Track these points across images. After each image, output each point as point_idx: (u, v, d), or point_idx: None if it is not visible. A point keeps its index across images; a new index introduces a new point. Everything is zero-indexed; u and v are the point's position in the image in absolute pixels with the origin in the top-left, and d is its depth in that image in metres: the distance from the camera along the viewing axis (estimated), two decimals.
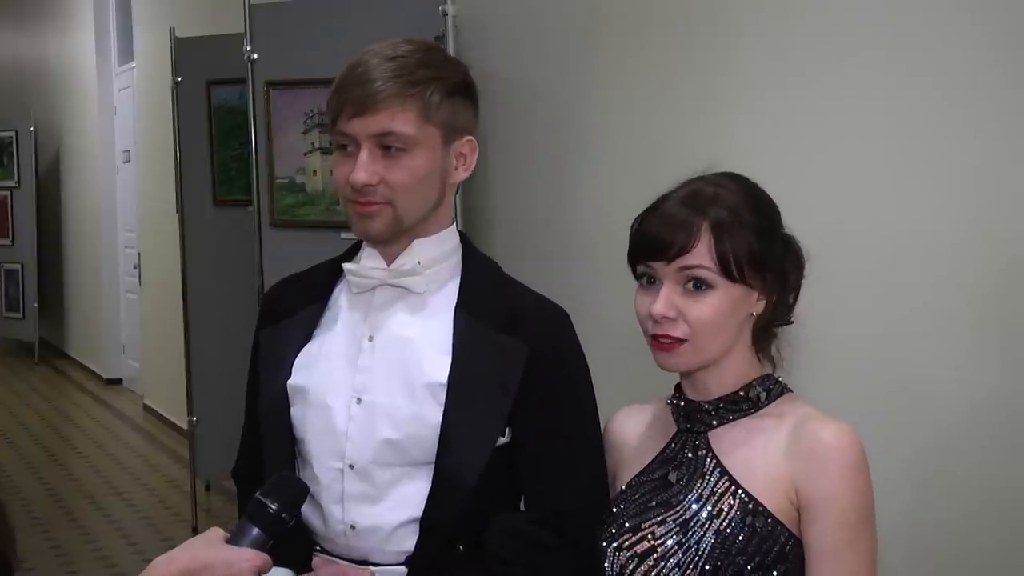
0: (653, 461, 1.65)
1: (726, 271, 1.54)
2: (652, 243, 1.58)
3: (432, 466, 1.65)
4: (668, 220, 1.57)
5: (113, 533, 5.53)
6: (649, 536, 1.57)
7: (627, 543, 1.58)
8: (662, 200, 1.61)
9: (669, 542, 1.55)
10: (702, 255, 1.55)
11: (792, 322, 1.66)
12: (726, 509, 1.54)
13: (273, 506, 1.46)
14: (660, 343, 1.58)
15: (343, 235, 1.78)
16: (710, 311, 1.55)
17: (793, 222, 1.67)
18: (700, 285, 1.55)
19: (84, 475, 6.64)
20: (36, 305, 10.48)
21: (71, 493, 6.26)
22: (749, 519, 1.52)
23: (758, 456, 1.55)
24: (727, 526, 1.52)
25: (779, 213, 1.63)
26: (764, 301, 1.59)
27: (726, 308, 1.56)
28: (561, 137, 3.58)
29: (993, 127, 2.21)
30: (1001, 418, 2.21)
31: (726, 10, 2.88)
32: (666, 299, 1.56)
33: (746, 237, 1.55)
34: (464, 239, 1.80)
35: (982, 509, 2.25)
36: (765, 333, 1.63)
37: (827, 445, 1.51)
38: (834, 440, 1.52)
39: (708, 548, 1.52)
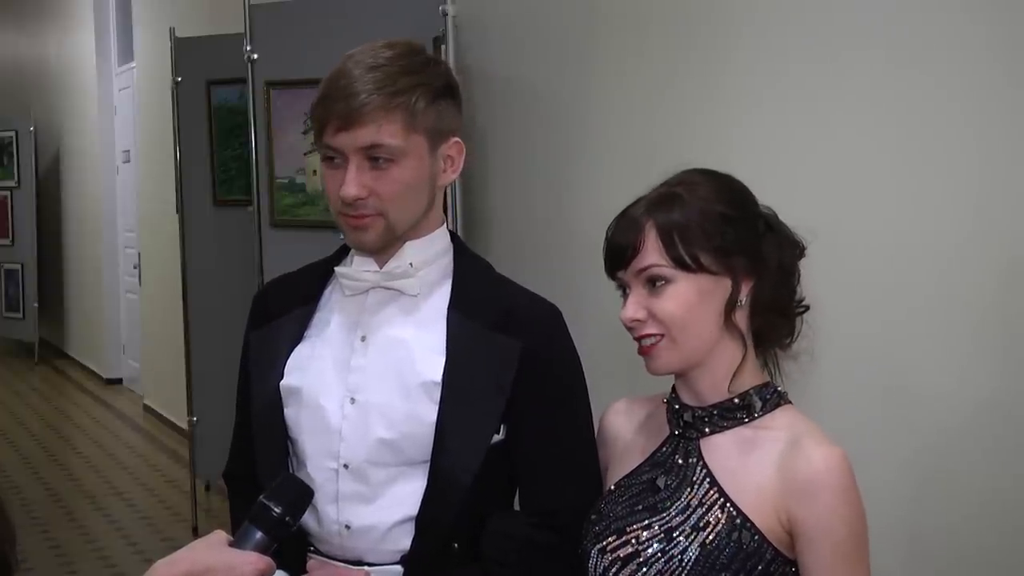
0: (643, 463, 1.64)
1: (679, 263, 1.54)
2: (608, 254, 1.60)
3: (426, 465, 1.66)
4: (618, 228, 1.59)
5: (113, 533, 5.53)
6: (633, 540, 1.56)
7: (610, 546, 1.57)
8: (625, 208, 1.62)
9: (652, 548, 1.54)
10: (651, 254, 1.55)
11: (807, 307, 1.64)
12: (713, 522, 1.52)
13: (277, 509, 1.45)
14: (642, 347, 1.58)
15: (343, 236, 1.78)
16: (675, 303, 1.54)
17: (792, 222, 1.67)
18: (660, 282, 1.55)
19: (84, 475, 6.64)
20: (36, 305, 10.48)
21: (71, 493, 6.26)
22: (736, 534, 1.51)
23: (750, 470, 1.54)
24: (713, 539, 1.51)
25: (749, 199, 1.62)
26: (736, 285, 1.56)
27: (692, 298, 1.54)
28: (561, 137, 3.58)
29: (994, 127, 2.21)
30: (1002, 419, 2.21)
31: (726, 10, 2.88)
32: (633, 303, 1.57)
33: (699, 226, 1.54)
34: (455, 239, 1.80)
35: (982, 510, 2.25)
36: (772, 322, 1.60)
37: (818, 470, 1.49)
38: (824, 465, 1.50)
39: (692, 560, 1.51)
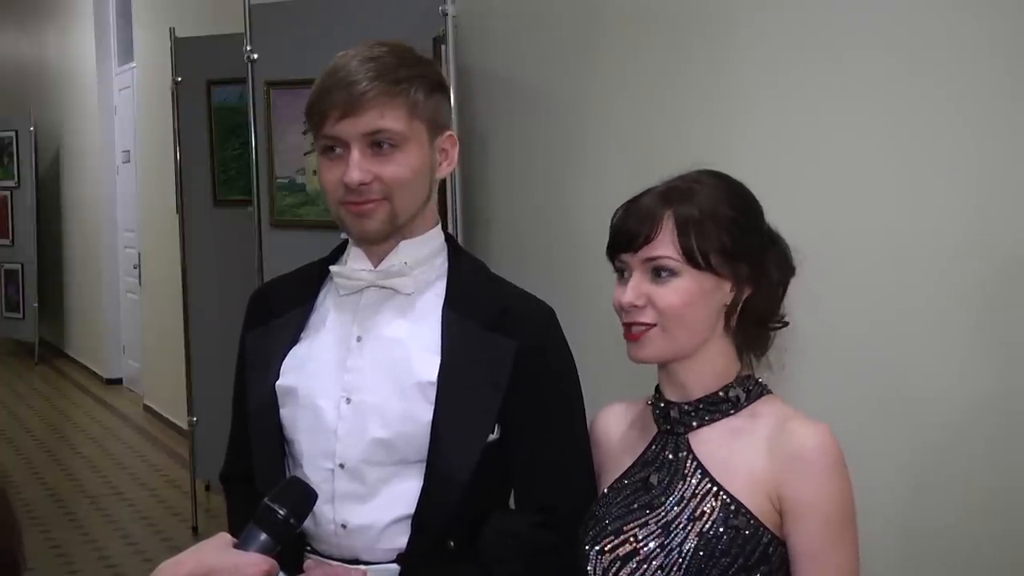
0: (634, 464, 1.66)
1: (690, 259, 1.55)
2: (619, 236, 1.61)
3: (422, 464, 1.66)
4: (634, 213, 1.60)
5: (113, 533, 5.53)
6: (631, 538, 1.57)
7: (609, 546, 1.58)
8: (637, 196, 1.63)
9: (651, 544, 1.55)
10: (665, 245, 1.56)
11: (787, 323, 1.66)
12: (708, 511, 1.54)
13: (281, 511, 1.45)
14: (631, 333, 1.59)
15: (343, 235, 1.79)
16: (677, 296, 1.56)
17: (791, 222, 1.67)
18: (665, 273, 1.56)
19: (84, 475, 6.64)
20: (36, 305, 10.48)
21: (71, 493, 6.26)
22: (732, 520, 1.52)
23: (739, 457, 1.56)
24: (710, 528, 1.53)
25: (759, 210, 1.64)
26: (737, 292, 1.59)
27: (694, 295, 1.56)
28: (561, 137, 3.58)
29: (993, 127, 2.21)
30: (999, 419, 2.21)
31: (726, 10, 2.89)
32: (634, 288, 1.58)
33: (714, 226, 1.56)
34: (449, 239, 1.81)
35: (978, 510, 2.25)
36: (754, 333, 1.63)
37: (807, 448, 1.52)
38: (814, 442, 1.52)
39: (691, 550, 1.52)
